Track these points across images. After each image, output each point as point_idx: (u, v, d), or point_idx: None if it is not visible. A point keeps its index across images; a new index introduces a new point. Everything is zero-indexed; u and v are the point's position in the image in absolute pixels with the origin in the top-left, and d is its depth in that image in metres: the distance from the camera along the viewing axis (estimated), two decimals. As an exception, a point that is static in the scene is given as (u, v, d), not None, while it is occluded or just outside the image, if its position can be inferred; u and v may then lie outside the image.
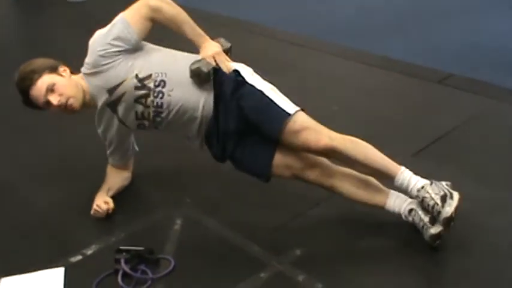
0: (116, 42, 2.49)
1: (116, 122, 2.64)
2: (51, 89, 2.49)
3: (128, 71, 2.51)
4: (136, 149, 2.87)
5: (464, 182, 2.54)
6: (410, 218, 2.41)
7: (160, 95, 2.51)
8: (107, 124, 2.67)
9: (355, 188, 2.50)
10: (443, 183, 2.36)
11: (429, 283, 2.30)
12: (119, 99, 2.55)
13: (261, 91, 2.49)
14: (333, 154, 2.43)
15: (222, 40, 2.62)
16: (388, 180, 2.43)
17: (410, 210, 2.40)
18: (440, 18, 4.96)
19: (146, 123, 2.60)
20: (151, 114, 2.56)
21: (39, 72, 2.50)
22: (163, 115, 2.55)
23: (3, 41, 5.26)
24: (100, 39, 2.51)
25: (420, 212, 2.36)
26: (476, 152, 3.03)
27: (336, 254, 2.45)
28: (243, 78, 2.53)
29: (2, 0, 6.42)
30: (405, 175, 2.39)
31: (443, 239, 2.32)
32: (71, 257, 2.47)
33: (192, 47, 2.58)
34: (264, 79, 2.58)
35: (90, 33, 2.55)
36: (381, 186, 2.50)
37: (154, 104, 2.53)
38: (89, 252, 2.51)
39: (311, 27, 4.91)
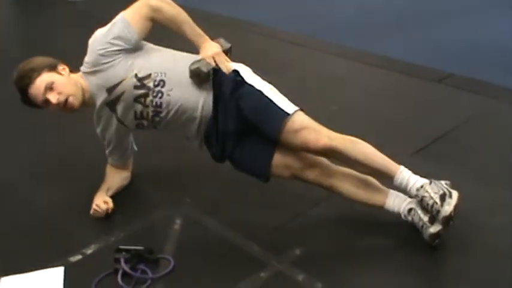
0: (116, 42, 2.49)
1: (114, 121, 2.64)
2: (50, 88, 2.49)
3: (128, 70, 2.51)
4: (135, 148, 2.87)
5: (463, 181, 2.53)
6: (409, 218, 2.41)
7: (160, 95, 2.51)
8: (105, 123, 2.67)
9: (355, 187, 2.50)
10: (443, 182, 2.37)
11: (428, 282, 2.30)
12: (118, 99, 2.55)
13: (260, 91, 2.49)
14: (332, 154, 2.43)
15: (221, 41, 2.62)
16: (387, 179, 2.43)
17: (410, 209, 2.40)
18: (440, 18, 4.96)
19: (145, 122, 2.60)
20: (150, 114, 2.56)
21: (38, 71, 2.50)
22: (162, 115, 2.55)
23: (3, 41, 5.26)
24: (100, 38, 2.52)
25: (419, 212, 2.36)
26: (476, 152, 3.03)
27: (336, 254, 2.45)
28: (243, 78, 2.53)
29: (2, 0, 6.42)
30: (404, 174, 2.39)
31: (443, 238, 2.32)
32: (71, 256, 2.47)
33: (191, 48, 2.58)
34: (263, 79, 2.58)
35: (90, 33, 2.55)
36: (380, 185, 2.50)
37: (154, 103, 2.53)
38: (89, 251, 2.51)
39: (311, 27, 4.91)
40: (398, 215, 2.45)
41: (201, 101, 2.53)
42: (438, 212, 2.28)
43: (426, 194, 2.32)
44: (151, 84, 2.51)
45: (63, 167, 3.13)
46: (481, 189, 2.68)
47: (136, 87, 2.51)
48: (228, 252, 2.46)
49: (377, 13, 5.28)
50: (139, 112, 2.57)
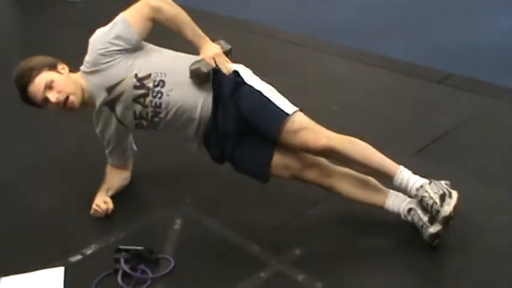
0: (116, 41, 2.49)
1: (114, 121, 2.64)
2: (49, 86, 2.49)
3: (128, 70, 2.51)
4: (135, 148, 2.87)
5: (463, 181, 2.53)
6: (409, 218, 2.41)
7: (159, 95, 2.51)
8: (104, 123, 2.68)
9: (354, 187, 2.50)
10: (443, 182, 2.37)
11: (428, 282, 2.30)
12: (117, 98, 2.55)
13: (259, 91, 2.49)
14: (332, 154, 2.43)
15: (222, 42, 2.62)
16: (387, 179, 2.43)
17: (410, 209, 2.40)
18: (440, 18, 4.96)
19: (144, 123, 2.60)
20: (150, 114, 2.56)
21: (37, 69, 2.50)
22: (161, 115, 2.55)
23: (3, 41, 5.26)
24: (101, 38, 2.52)
25: (419, 212, 2.36)
26: (476, 152, 3.03)
27: (336, 254, 2.45)
28: (242, 79, 2.53)
29: (2, 0, 6.42)
30: (404, 174, 2.39)
31: (442, 238, 2.32)
32: (71, 256, 2.47)
33: (192, 48, 2.58)
34: (263, 80, 2.58)
35: (90, 33, 2.55)
36: (380, 185, 2.50)
37: (153, 104, 2.53)
38: (89, 251, 2.51)
39: (311, 27, 4.92)
40: (398, 215, 2.45)
41: (200, 101, 2.53)
42: (438, 212, 2.28)
43: (426, 194, 2.32)
44: (151, 85, 2.51)
45: (63, 167, 3.13)
46: (481, 189, 2.68)
47: (136, 87, 2.51)
48: (228, 252, 2.46)
49: (377, 13, 5.28)
50: (139, 112, 2.57)
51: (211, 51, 2.55)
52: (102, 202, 2.69)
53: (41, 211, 2.81)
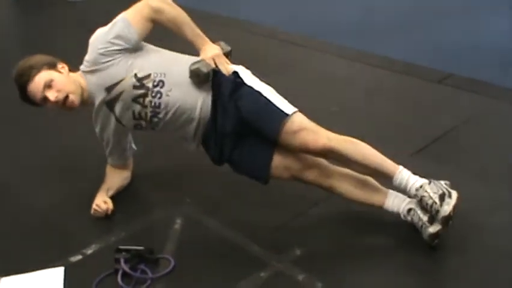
0: (116, 41, 2.50)
1: (112, 121, 2.64)
2: (48, 85, 2.49)
3: (127, 70, 2.51)
4: (134, 148, 2.87)
5: (463, 181, 2.53)
6: (409, 218, 2.41)
7: (159, 95, 2.52)
8: (103, 123, 2.67)
9: (354, 188, 2.50)
10: (442, 182, 2.37)
11: (428, 282, 2.30)
12: (116, 98, 2.55)
13: (259, 92, 2.50)
14: (331, 154, 2.43)
15: (222, 43, 2.62)
16: (386, 180, 2.43)
17: (409, 209, 2.41)
18: (440, 19, 4.95)
19: (143, 123, 2.61)
20: (149, 115, 2.56)
21: (37, 68, 2.50)
22: (160, 115, 2.55)
23: (3, 41, 5.26)
24: (101, 37, 2.52)
25: (419, 212, 2.36)
26: (476, 152, 3.03)
27: (336, 253, 2.45)
28: (242, 79, 2.53)
29: (2, 0, 6.42)
30: (403, 174, 2.39)
31: (442, 238, 2.32)
32: (71, 256, 2.48)
33: (192, 49, 2.58)
34: (262, 81, 2.58)
35: (90, 33, 2.56)
36: (379, 186, 2.50)
37: (152, 104, 2.53)
38: (89, 251, 2.51)
39: (311, 27, 4.91)
40: (397, 215, 2.45)
41: (199, 102, 2.53)
42: (437, 211, 2.29)
43: (425, 194, 2.32)
44: (150, 85, 2.52)
45: (63, 167, 3.13)
46: (480, 189, 2.68)
47: (135, 87, 2.52)
48: (229, 252, 2.47)
49: (378, 14, 5.27)
50: (138, 112, 2.57)
51: (211, 52, 2.55)
52: (102, 202, 2.69)
53: (41, 211, 2.81)
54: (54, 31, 5.33)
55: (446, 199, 2.29)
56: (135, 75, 2.51)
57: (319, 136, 2.41)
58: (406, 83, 3.88)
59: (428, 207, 2.31)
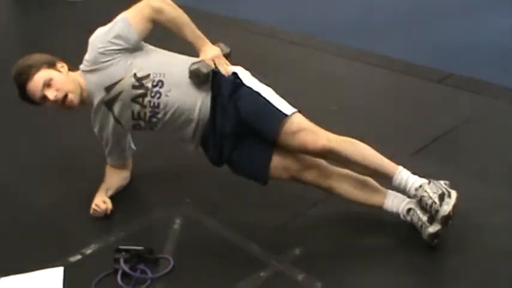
0: (116, 41, 2.50)
1: (111, 121, 2.63)
2: (48, 84, 2.49)
3: (127, 69, 2.51)
4: (134, 148, 2.87)
5: (463, 181, 2.53)
6: (408, 218, 2.41)
7: (158, 95, 2.52)
8: (102, 123, 2.67)
9: (353, 188, 2.50)
10: (442, 182, 2.37)
11: (428, 282, 2.30)
12: (115, 98, 2.55)
13: (258, 93, 2.49)
14: (331, 155, 2.43)
15: (221, 45, 2.62)
16: (386, 180, 2.43)
17: (409, 209, 2.40)
18: (440, 18, 4.95)
19: (142, 123, 2.60)
20: (148, 115, 2.56)
21: (36, 67, 2.50)
22: (159, 116, 2.55)
23: (3, 41, 5.26)
24: (101, 37, 2.52)
25: (418, 212, 2.36)
26: (476, 152, 3.02)
27: (335, 253, 2.45)
28: (241, 80, 2.53)
29: (2, 0, 6.42)
30: (403, 175, 2.39)
31: (442, 238, 2.32)
32: (70, 256, 2.48)
33: (192, 51, 2.58)
34: (261, 82, 2.58)
35: (90, 33, 2.56)
36: (379, 186, 2.50)
37: (151, 104, 2.53)
38: (88, 251, 2.51)
39: (311, 26, 4.91)
40: (397, 215, 2.45)
41: (198, 102, 2.53)
42: (437, 211, 2.29)
43: (425, 194, 2.32)
44: (149, 85, 2.51)
45: (62, 167, 3.13)
46: (480, 189, 2.68)
47: (134, 86, 2.51)
48: (228, 252, 2.47)
49: (377, 13, 5.28)
50: (137, 112, 2.57)
51: (211, 53, 2.55)
52: (101, 202, 2.69)
53: (40, 210, 2.81)
54: (54, 31, 5.33)
55: (446, 199, 2.29)
56: (135, 75, 2.51)
57: (319, 137, 2.40)
58: (406, 83, 3.89)
59: (428, 207, 2.31)
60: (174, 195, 2.83)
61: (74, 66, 2.61)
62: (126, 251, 2.40)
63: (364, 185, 2.49)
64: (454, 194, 2.31)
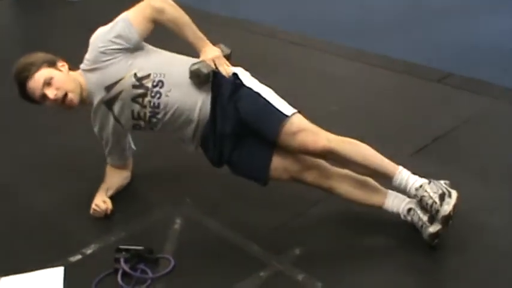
0: (117, 40, 2.50)
1: (111, 121, 2.63)
2: (48, 83, 2.50)
3: (127, 69, 2.51)
4: (134, 147, 2.87)
5: (463, 181, 2.53)
6: (409, 218, 2.41)
7: (158, 95, 2.52)
8: (102, 123, 2.67)
9: (353, 188, 2.50)
10: (442, 182, 2.37)
11: (428, 282, 2.30)
12: (116, 97, 2.55)
13: (258, 93, 2.49)
14: (331, 156, 2.43)
15: (222, 46, 2.62)
16: (386, 180, 2.43)
17: (409, 209, 2.41)
18: (440, 18, 4.95)
19: (142, 123, 2.60)
20: (148, 115, 2.56)
21: (37, 65, 2.51)
22: (159, 116, 2.55)
23: (3, 41, 5.26)
24: (102, 36, 2.52)
25: (419, 211, 2.36)
26: (476, 152, 3.02)
27: (336, 253, 2.45)
28: (241, 81, 2.53)
29: (2, 0, 6.42)
30: (403, 175, 2.39)
31: (442, 238, 2.32)
32: (71, 256, 2.48)
33: (192, 52, 2.58)
34: (261, 82, 2.58)
35: (90, 33, 2.56)
36: (379, 186, 2.50)
37: (151, 104, 2.53)
38: (89, 251, 2.51)
39: (311, 26, 4.91)
40: (397, 215, 2.45)
41: (199, 103, 2.53)
42: (437, 211, 2.29)
43: (425, 194, 2.32)
44: (149, 85, 2.51)
45: (62, 167, 3.13)
46: (481, 189, 2.68)
47: (134, 86, 2.52)
48: (228, 252, 2.46)
49: (377, 13, 5.28)
50: (137, 112, 2.57)
51: (211, 54, 2.55)
52: (101, 202, 2.69)
53: (40, 210, 2.81)
54: (54, 31, 5.33)
55: (446, 199, 2.29)
56: (135, 74, 2.51)
57: (319, 137, 2.40)
58: (406, 83, 3.89)
59: (428, 207, 2.31)
60: (174, 195, 2.83)
61: (73, 66, 2.61)
62: (127, 250, 2.40)
63: (364, 185, 2.49)
64: (454, 193, 2.31)
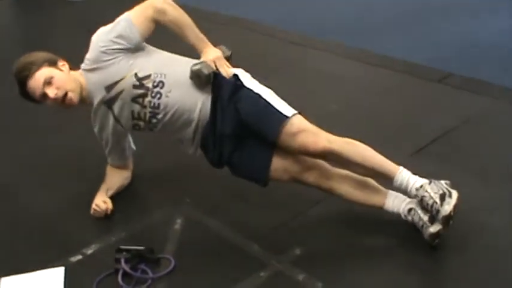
0: (118, 40, 2.50)
1: (111, 121, 2.64)
2: (48, 82, 2.50)
3: (128, 69, 2.51)
4: (134, 147, 2.87)
5: (463, 181, 2.53)
6: (409, 218, 2.41)
7: (158, 96, 2.52)
8: (102, 123, 2.67)
9: (354, 189, 2.50)
10: (442, 182, 2.37)
11: (428, 282, 2.30)
12: (116, 97, 2.55)
13: (258, 94, 2.50)
14: (331, 156, 2.43)
15: (223, 47, 2.63)
16: (386, 180, 2.43)
17: (410, 209, 2.41)
18: (440, 17, 4.96)
19: (142, 124, 2.60)
20: (148, 115, 2.56)
21: (38, 64, 2.51)
22: (159, 116, 2.55)
23: (3, 41, 5.26)
24: (103, 36, 2.53)
25: (419, 211, 2.36)
26: (476, 152, 3.02)
27: (336, 253, 2.45)
28: (242, 82, 2.53)
29: (2, 0, 6.41)
30: (404, 175, 2.39)
31: (443, 238, 2.32)
32: (71, 256, 2.48)
33: (193, 53, 2.58)
34: (261, 83, 2.58)
35: (90, 33, 2.56)
36: (379, 186, 2.50)
37: (152, 104, 2.53)
38: (89, 251, 2.51)
39: (311, 25, 4.91)
40: (398, 215, 2.45)
41: (199, 104, 2.53)
42: (438, 211, 2.29)
43: (426, 194, 2.32)
44: (150, 85, 2.51)
45: (63, 167, 3.13)
46: (481, 189, 2.68)
47: (135, 86, 2.52)
48: (228, 252, 2.47)
49: (377, 12, 5.28)
50: (137, 113, 2.57)
51: (212, 55, 2.55)
52: (101, 202, 2.69)
53: (40, 211, 2.80)
54: (54, 31, 5.33)
55: (447, 199, 2.29)
56: (135, 74, 2.51)
57: (319, 138, 2.40)
58: (406, 82, 3.88)
59: (429, 207, 2.31)
60: (175, 195, 2.83)
61: (74, 66, 2.62)
62: (127, 250, 2.40)
63: (364, 186, 2.49)
64: (455, 193, 2.31)
